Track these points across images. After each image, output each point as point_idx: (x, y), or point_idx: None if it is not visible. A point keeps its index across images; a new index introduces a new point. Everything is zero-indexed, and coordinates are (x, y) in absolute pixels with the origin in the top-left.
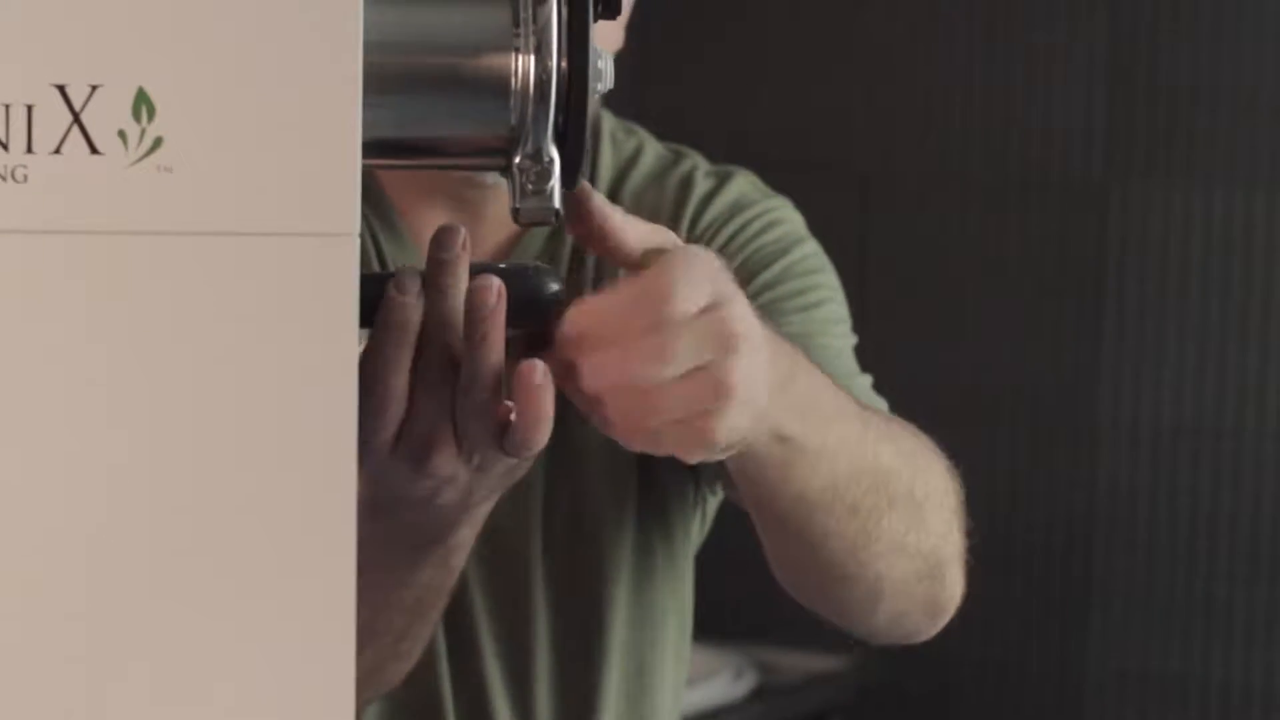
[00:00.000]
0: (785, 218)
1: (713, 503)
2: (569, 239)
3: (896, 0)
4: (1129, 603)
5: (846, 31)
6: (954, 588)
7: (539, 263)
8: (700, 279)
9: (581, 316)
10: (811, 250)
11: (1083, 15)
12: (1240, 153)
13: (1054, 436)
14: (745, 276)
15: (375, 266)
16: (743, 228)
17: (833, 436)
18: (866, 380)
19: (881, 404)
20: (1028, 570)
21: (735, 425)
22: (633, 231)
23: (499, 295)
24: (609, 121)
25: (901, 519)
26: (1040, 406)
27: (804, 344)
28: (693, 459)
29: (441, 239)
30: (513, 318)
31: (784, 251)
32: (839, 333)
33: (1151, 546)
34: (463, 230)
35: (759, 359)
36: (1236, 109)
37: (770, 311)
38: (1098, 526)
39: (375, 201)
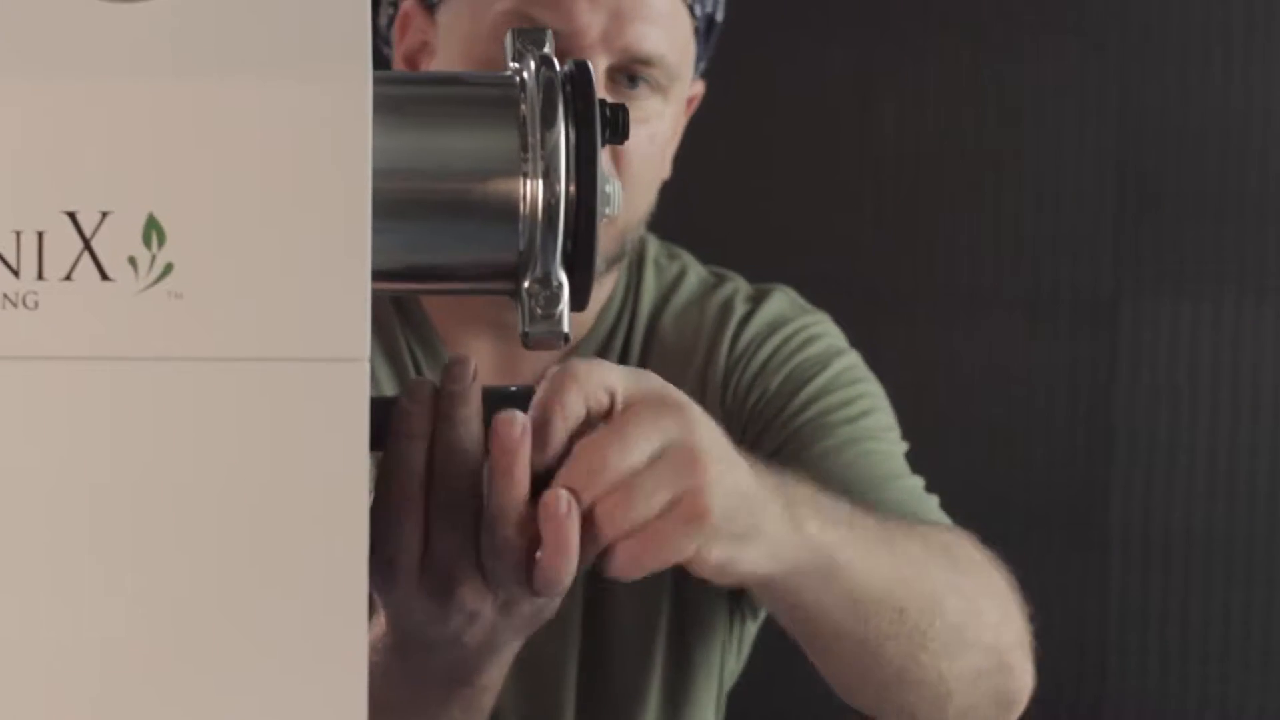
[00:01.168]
0: (824, 332)
1: (751, 628)
2: (615, 358)
3: (904, 120)
4: (1142, 708)
5: (853, 150)
6: (1023, 676)
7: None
8: (651, 426)
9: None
10: (852, 362)
11: (1091, 130)
12: (1248, 262)
13: (1066, 546)
14: (789, 392)
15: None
16: (782, 344)
17: (862, 543)
18: (918, 482)
19: (933, 503)
20: (1042, 682)
21: (727, 488)
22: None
23: (523, 430)
24: (653, 246)
25: (955, 612)
26: (1051, 518)
27: (848, 450)
28: (710, 561)
29: (453, 371)
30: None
31: (826, 365)
32: (888, 438)
33: (1164, 656)
34: (473, 362)
35: (734, 467)
36: (1244, 218)
37: (817, 425)
38: (1110, 636)
39: (418, 327)
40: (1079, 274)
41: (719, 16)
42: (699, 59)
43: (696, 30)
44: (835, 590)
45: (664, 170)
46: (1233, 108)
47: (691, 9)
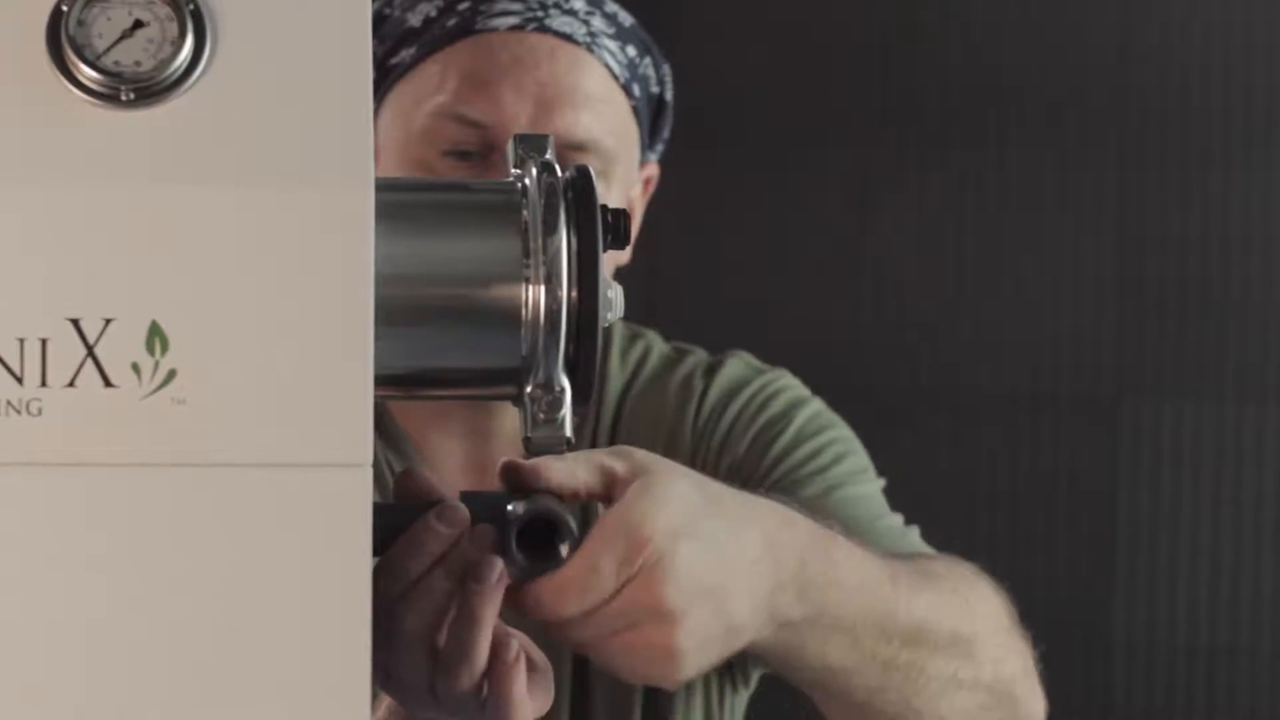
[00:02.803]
0: (782, 387)
1: (742, 695)
2: (585, 444)
3: (904, 220)
4: None
5: (851, 252)
6: (1031, 703)
7: (550, 506)
8: (611, 552)
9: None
10: (816, 409)
11: (1090, 232)
12: (1249, 364)
13: (1066, 654)
14: (758, 453)
15: (387, 491)
16: (744, 407)
17: (851, 606)
18: (897, 519)
19: (914, 534)
20: None
21: (702, 640)
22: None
23: (517, 657)
24: (618, 330)
25: (949, 660)
26: (1052, 624)
27: (825, 500)
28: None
29: (481, 573)
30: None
31: (790, 421)
32: (861, 479)
33: None
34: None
35: (708, 606)
36: (1245, 319)
37: (791, 480)
38: None
39: (385, 427)
40: (1079, 375)
41: (667, 95)
42: (649, 141)
43: (635, 110)
44: (806, 665)
45: (618, 255)
46: (1232, 210)
47: (628, 89)
